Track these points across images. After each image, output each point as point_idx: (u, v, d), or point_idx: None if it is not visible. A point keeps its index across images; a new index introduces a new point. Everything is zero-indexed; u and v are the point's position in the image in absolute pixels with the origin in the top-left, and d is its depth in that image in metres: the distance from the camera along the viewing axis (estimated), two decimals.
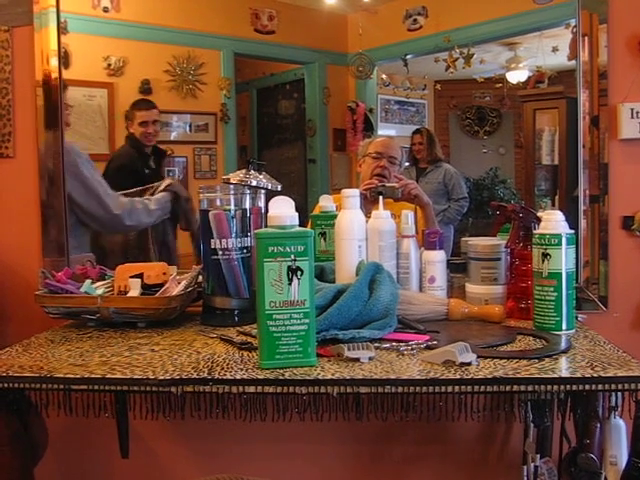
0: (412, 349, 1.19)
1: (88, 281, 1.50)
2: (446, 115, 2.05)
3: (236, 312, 1.44)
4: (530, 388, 1.03)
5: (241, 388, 1.06)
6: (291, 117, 2.13)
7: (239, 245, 1.42)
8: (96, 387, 1.10)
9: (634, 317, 1.72)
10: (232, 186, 1.45)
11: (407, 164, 1.98)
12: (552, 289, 1.29)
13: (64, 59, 1.78)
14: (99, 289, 1.49)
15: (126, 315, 1.42)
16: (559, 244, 1.28)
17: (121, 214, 1.84)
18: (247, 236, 1.44)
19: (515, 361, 1.11)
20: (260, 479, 1.00)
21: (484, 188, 1.97)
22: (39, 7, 1.75)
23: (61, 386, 1.11)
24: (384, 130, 2.04)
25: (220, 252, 1.41)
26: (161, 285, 1.49)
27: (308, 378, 1.05)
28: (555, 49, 1.82)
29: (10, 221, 1.83)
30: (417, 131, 2.01)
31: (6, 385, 1.11)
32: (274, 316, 1.09)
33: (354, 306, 1.24)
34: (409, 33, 1.93)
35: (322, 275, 1.46)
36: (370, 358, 1.13)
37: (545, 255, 1.29)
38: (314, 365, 1.10)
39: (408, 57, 1.98)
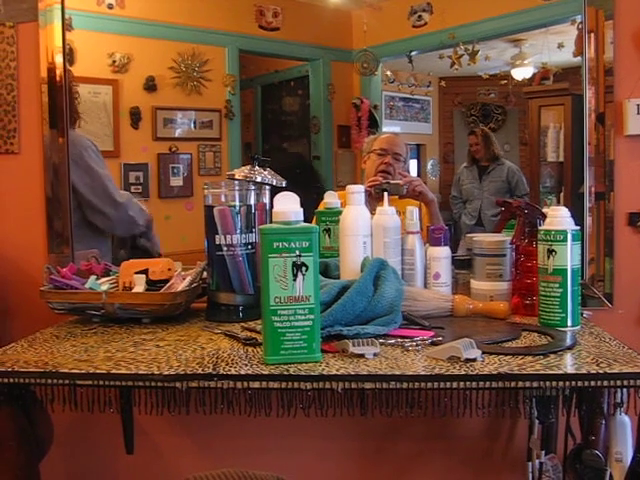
0: (417, 345, 1.18)
1: (93, 277, 1.50)
2: (451, 112, 2.04)
3: (241, 308, 1.44)
4: (535, 384, 1.03)
5: (246, 383, 1.06)
6: (295, 114, 2.13)
7: (244, 241, 1.42)
8: (101, 382, 1.10)
9: (639, 314, 1.71)
10: (237, 182, 1.45)
11: (465, 164, 1.97)
12: (557, 285, 1.28)
13: (69, 56, 1.78)
14: (104, 285, 1.50)
15: (131, 311, 1.43)
16: (564, 240, 1.27)
17: (125, 203, 1.86)
18: (252, 232, 1.44)
19: (520, 357, 1.11)
20: (265, 473, 1.00)
21: None
22: (44, 4, 1.75)
23: (66, 381, 1.11)
24: (389, 127, 2.04)
25: (225, 248, 1.41)
26: (166, 281, 1.49)
27: (313, 374, 1.06)
28: (560, 45, 1.81)
29: (15, 217, 1.83)
30: (471, 132, 1.98)
31: (11, 380, 1.12)
32: (279, 312, 1.09)
33: (359, 302, 1.24)
34: (414, 29, 1.93)
35: (327, 271, 1.46)
36: (375, 354, 1.13)
37: (550, 251, 1.28)
38: (319, 361, 1.10)
39: (413, 54, 1.97)
